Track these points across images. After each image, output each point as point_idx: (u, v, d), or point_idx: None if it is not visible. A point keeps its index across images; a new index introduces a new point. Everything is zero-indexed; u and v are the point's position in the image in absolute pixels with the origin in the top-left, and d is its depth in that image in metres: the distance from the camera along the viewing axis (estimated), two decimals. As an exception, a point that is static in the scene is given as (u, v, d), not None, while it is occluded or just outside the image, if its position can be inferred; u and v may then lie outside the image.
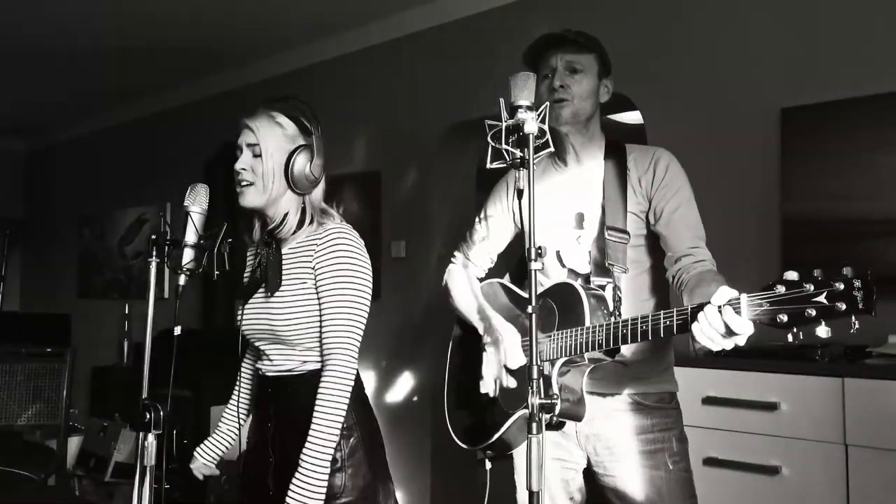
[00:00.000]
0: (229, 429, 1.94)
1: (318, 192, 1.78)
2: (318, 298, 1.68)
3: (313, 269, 1.69)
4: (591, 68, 1.77)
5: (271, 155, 1.69)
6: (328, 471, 1.60)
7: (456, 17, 3.84)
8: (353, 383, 1.65)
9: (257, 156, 1.70)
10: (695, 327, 1.34)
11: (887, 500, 2.03)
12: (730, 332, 1.31)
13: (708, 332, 1.32)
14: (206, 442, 1.95)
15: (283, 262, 1.74)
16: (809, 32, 2.71)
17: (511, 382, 1.70)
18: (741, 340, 1.32)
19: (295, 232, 1.74)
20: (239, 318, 1.80)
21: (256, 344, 1.80)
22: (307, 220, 1.74)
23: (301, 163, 1.69)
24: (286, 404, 1.74)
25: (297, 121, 1.73)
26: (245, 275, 1.87)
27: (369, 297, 1.70)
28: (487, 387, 1.74)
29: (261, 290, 1.77)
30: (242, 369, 1.96)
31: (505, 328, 1.74)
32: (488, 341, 1.76)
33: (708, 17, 2.99)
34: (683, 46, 3.04)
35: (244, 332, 1.80)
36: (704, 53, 2.98)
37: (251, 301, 1.78)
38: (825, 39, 2.67)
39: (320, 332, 1.68)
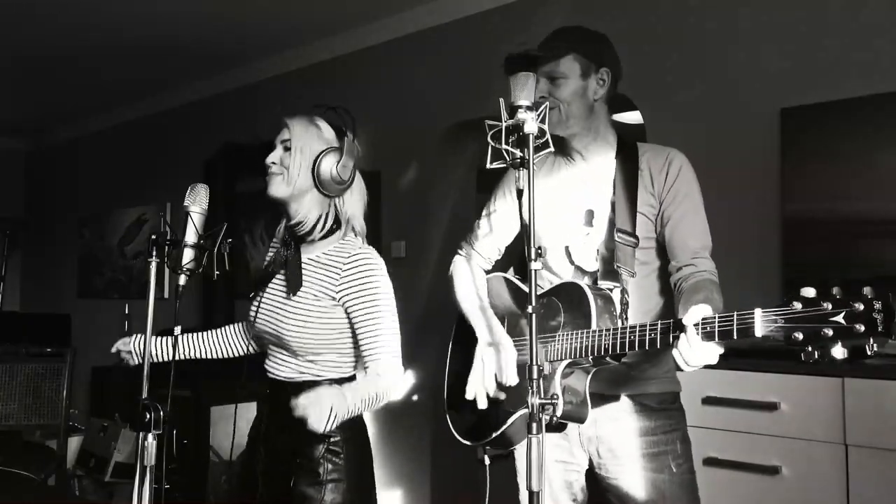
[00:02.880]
0: (195, 340, 1.98)
1: (356, 205, 1.80)
2: (351, 321, 1.71)
3: (336, 290, 1.70)
4: (571, 71, 1.73)
5: (300, 149, 1.72)
6: (353, 411, 1.61)
7: (456, 17, 3.83)
8: (395, 386, 1.69)
9: (288, 149, 1.74)
10: (677, 358, 1.37)
11: (887, 500, 2.03)
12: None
13: (688, 358, 1.35)
14: (158, 337, 1.93)
15: (303, 268, 1.75)
16: (809, 32, 2.71)
17: (500, 394, 1.71)
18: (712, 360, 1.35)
19: (321, 238, 1.75)
20: (254, 311, 1.81)
21: (264, 340, 1.82)
22: (329, 228, 1.75)
23: (328, 162, 1.71)
24: (278, 410, 1.75)
25: (338, 129, 1.77)
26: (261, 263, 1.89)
27: (396, 317, 1.74)
28: (471, 394, 1.74)
29: (271, 286, 1.79)
30: (232, 326, 2.01)
31: (503, 341, 1.73)
32: (483, 350, 1.75)
33: (708, 17, 2.99)
34: (683, 47, 3.04)
35: (255, 323, 1.81)
36: (704, 54, 2.98)
37: (266, 299, 1.79)
38: (825, 39, 2.67)
39: (357, 347, 1.72)
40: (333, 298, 1.70)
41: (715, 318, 1.31)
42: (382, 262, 1.75)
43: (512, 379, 1.68)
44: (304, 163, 1.71)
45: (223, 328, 2.04)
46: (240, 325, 2.02)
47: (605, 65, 1.77)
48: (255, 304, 1.81)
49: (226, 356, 2.01)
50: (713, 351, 1.32)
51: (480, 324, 1.80)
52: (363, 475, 1.75)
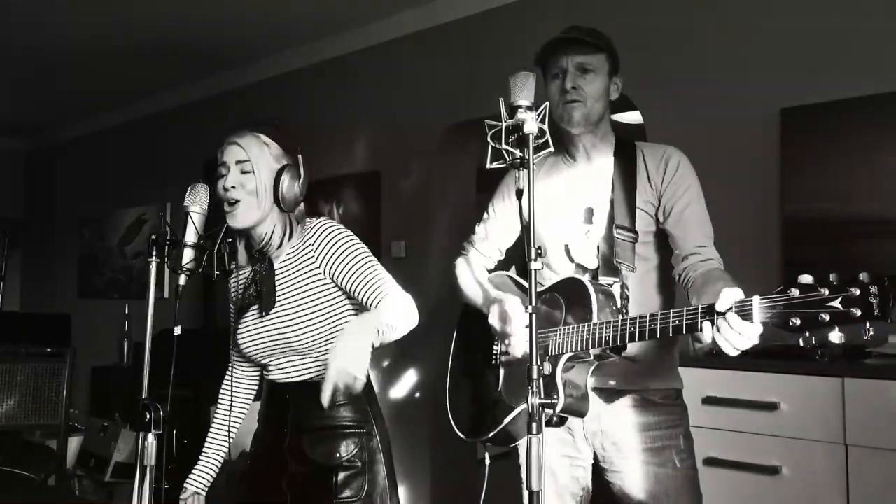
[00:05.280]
0: (216, 453, 1.89)
1: (299, 206, 1.80)
2: (340, 281, 1.71)
3: (321, 267, 1.71)
4: (601, 68, 1.76)
5: (262, 172, 1.70)
6: (373, 336, 1.58)
7: (456, 17, 3.83)
8: (411, 314, 1.69)
9: (246, 172, 1.70)
10: (723, 344, 1.32)
11: (887, 500, 2.03)
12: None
13: (734, 342, 1.30)
14: (194, 472, 1.88)
15: (281, 275, 1.75)
16: (809, 32, 2.71)
17: (517, 347, 1.68)
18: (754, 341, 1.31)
19: (280, 246, 1.76)
20: (240, 339, 1.79)
21: (263, 361, 1.80)
22: (290, 234, 1.76)
23: (288, 182, 1.71)
24: (307, 410, 1.74)
25: (281, 142, 1.76)
26: (233, 293, 1.86)
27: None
28: (514, 348, 1.69)
29: (255, 308, 1.78)
30: (233, 390, 1.93)
31: (516, 306, 1.70)
32: (500, 318, 1.72)
33: (708, 17, 2.99)
34: (683, 46, 3.04)
35: (247, 351, 1.80)
36: (704, 54, 2.98)
37: (250, 320, 1.78)
38: (825, 39, 2.67)
39: (360, 300, 1.71)
40: (323, 275, 1.72)
41: (752, 300, 1.27)
42: (336, 223, 1.78)
43: (517, 319, 1.66)
44: (269, 184, 1.70)
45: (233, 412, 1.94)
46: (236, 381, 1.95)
47: (619, 72, 1.81)
48: (242, 329, 1.79)
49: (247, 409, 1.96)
50: (756, 331, 1.28)
51: (485, 299, 1.80)
52: (390, 459, 1.79)
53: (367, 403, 1.77)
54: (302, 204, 1.80)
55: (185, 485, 1.87)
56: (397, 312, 1.65)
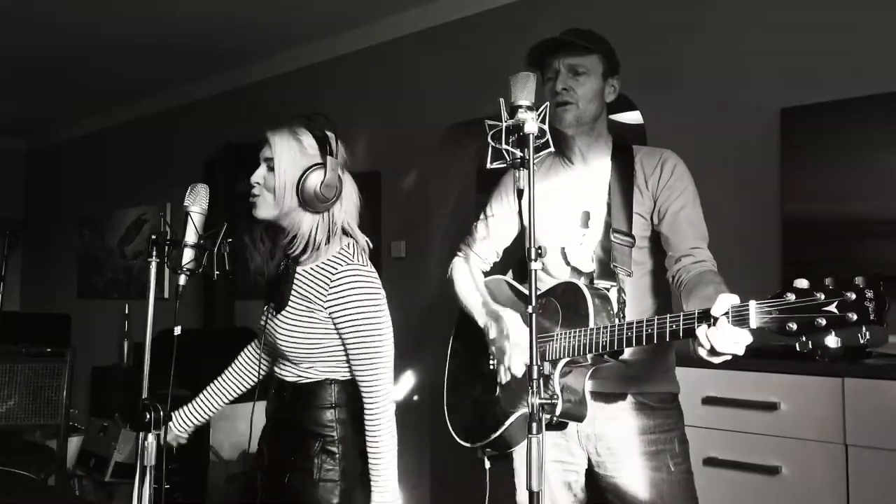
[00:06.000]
0: (210, 401, 1.96)
1: (346, 213, 1.74)
2: (340, 336, 1.68)
3: (325, 303, 1.68)
4: (594, 69, 1.75)
5: (284, 170, 1.67)
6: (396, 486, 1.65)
7: (456, 17, 3.84)
8: (392, 409, 1.67)
9: (272, 169, 1.70)
10: (702, 349, 1.34)
11: (887, 500, 2.03)
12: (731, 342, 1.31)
13: (719, 345, 1.31)
14: (183, 410, 1.95)
15: (295, 283, 1.73)
16: (810, 32, 2.71)
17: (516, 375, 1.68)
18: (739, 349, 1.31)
19: (316, 250, 1.71)
20: (263, 321, 1.80)
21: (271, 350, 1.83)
22: (321, 241, 1.70)
23: (313, 181, 1.66)
24: (284, 409, 1.76)
25: (321, 140, 1.72)
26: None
27: (390, 332, 1.71)
28: (506, 376, 1.69)
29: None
30: (244, 355, 2.00)
31: (515, 324, 1.69)
32: (498, 335, 1.72)
33: (708, 17, 2.99)
34: (683, 46, 3.04)
35: (265, 338, 1.81)
36: (704, 53, 2.98)
37: (268, 309, 1.80)
38: (825, 39, 2.67)
39: (349, 365, 1.70)
40: (324, 310, 1.68)
41: (748, 304, 1.27)
42: (372, 276, 1.69)
43: (518, 368, 1.65)
44: (289, 181, 1.67)
45: (228, 370, 2.01)
46: (243, 355, 2.01)
47: (617, 73, 1.81)
48: (263, 316, 1.81)
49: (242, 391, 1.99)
50: (744, 338, 1.29)
51: (485, 314, 1.79)
52: (357, 476, 1.71)
53: (333, 413, 1.70)
54: (354, 217, 1.75)
55: (170, 424, 1.87)
56: (389, 424, 1.67)
